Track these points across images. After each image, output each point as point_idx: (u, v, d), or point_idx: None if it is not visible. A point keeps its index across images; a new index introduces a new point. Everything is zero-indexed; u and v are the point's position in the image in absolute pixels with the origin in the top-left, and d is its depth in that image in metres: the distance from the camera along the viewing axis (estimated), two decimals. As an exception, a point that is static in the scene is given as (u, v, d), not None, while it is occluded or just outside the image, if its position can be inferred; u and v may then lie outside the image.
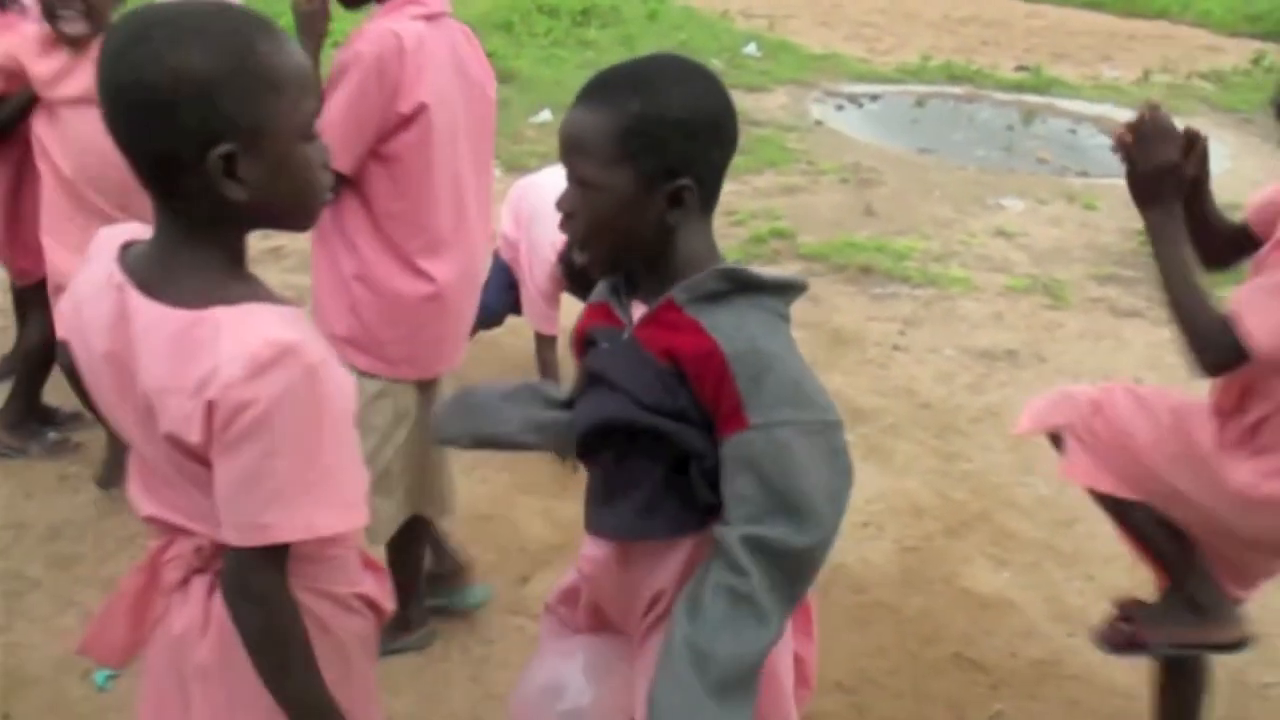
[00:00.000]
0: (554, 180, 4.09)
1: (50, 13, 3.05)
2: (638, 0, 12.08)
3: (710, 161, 1.52)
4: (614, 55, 10.08)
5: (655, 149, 1.47)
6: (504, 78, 8.91)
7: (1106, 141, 9.11)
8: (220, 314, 1.29)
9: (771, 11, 13.66)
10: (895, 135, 8.69)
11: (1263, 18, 15.27)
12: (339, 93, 2.33)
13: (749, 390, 1.45)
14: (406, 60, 2.34)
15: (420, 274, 2.46)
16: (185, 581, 1.49)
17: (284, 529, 1.32)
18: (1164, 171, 2.01)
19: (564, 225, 1.56)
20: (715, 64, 10.04)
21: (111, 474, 3.55)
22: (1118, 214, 6.73)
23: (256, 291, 1.36)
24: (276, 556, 1.35)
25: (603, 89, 1.51)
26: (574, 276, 3.78)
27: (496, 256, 4.17)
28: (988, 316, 5.30)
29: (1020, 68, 11.33)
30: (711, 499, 1.51)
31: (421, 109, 2.36)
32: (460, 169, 2.50)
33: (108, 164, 3.02)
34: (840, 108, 9.44)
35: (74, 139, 3.14)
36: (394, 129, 2.38)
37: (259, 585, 1.36)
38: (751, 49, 10.89)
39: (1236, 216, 2.24)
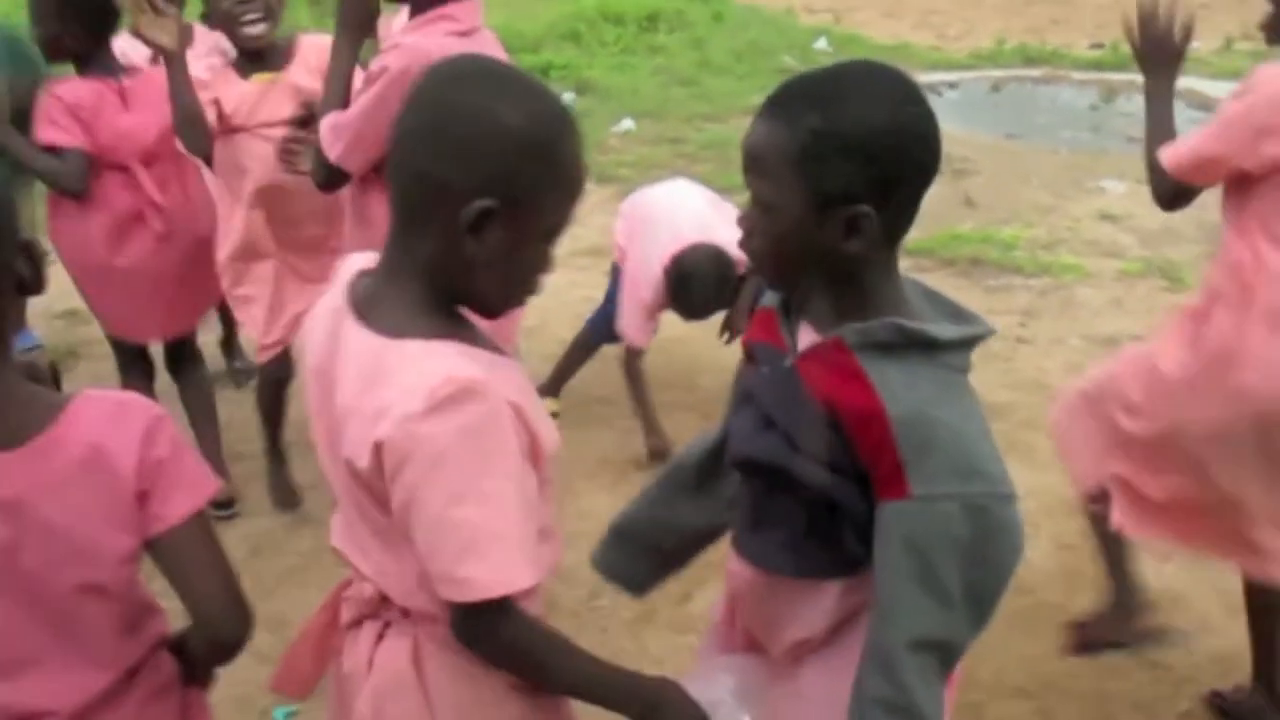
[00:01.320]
0: (667, 193, 4.09)
1: (230, 19, 3.11)
2: (701, 2, 12.04)
3: (894, 189, 1.38)
4: (686, 59, 10.06)
5: (830, 171, 1.35)
6: (580, 89, 8.94)
7: (1196, 115, 8.91)
8: (411, 346, 1.29)
9: (835, 6, 13.54)
10: (979, 122, 8.56)
11: (1339, -23, 14.88)
12: (364, 97, 2.41)
13: (913, 459, 1.35)
14: None
15: None
16: (358, 623, 1.50)
17: (482, 584, 1.28)
18: (1161, 43, 2.64)
19: (743, 244, 1.49)
20: (787, 60, 9.99)
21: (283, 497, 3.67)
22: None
23: (459, 333, 1.35)
24: (493, 606, 1.32)
25: (783, 102, 1.40)
26: (678, 294, 3.79)
27: (616, 268, 4.16)
28: (1107, 303, 5.20)
29: (1095, 45, 11.12)
30: (859, 552, 1.44)
31: None
32: None
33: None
34: (919, 98, 9.32)
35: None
36: None
37: (484, 633, 1.36)
38: (822, 44, 10.82)
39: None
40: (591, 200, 6.50)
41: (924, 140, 1.39)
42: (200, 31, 3.79)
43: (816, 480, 1.44)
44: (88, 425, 1.32)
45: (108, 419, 1.33)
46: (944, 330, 1.41)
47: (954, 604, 1.38)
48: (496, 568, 1.28)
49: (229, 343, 4.57)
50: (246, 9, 3.08)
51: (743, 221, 1.47)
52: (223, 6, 3.10)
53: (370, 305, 1.35)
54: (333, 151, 2.47)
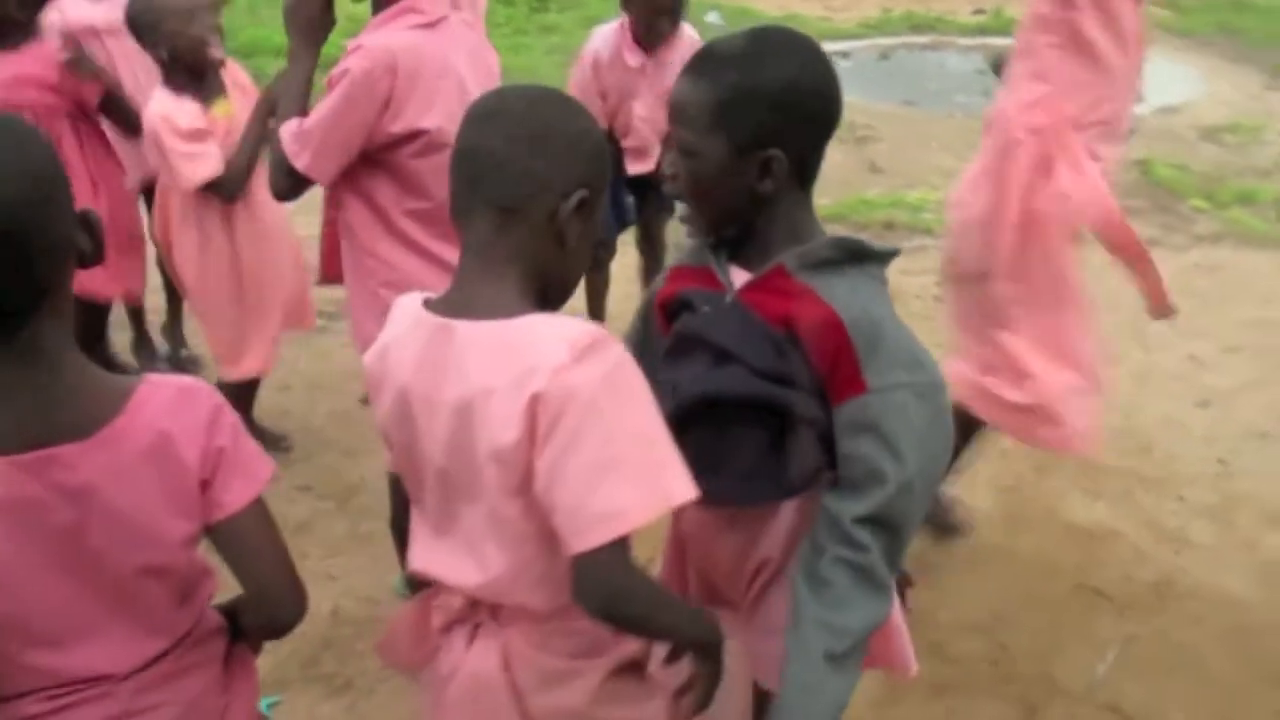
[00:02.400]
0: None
1: (199, 44, 3.19)
2: (590, -20, 12.05)
3: (802, 136, 1.58)
4: (579, 38, 10.02)
5: (746, 121, 1.54)
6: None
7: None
8: (535, 318, 1.37)
9: (721, -21, 13.68)
10: (874, 90, 8.76)
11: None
12: (327, 102, 2.35)
13: (866, 356, 1.52)
14: (399, 79, 2.32)
15: (445, 265, 2.41)
16: (448, 629, 1.56)
17: (641, 509, 1.33)
18: None
19: (668, 187, 1.65)
20: (682, 37, 10.06)
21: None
22: (1111, 146, 6.87)
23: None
24: (625, 547, 1.36)
25: (705, 61, 1.59)
26: None
27: None
28: (1016, 259, 5.41)
29: (978, 11, 11.45)
30: (821, 462, 1.58)
31: (420, 133, 2.37)
32: None
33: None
34: (814, 68, 9.49)
35: None
36: (393, 144, 2.39)
37: (620, 581, 1.38)
38: (714, 18, 10.91)
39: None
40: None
41: (828, 94, 1.59)
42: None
43: (782, 400, 1.56)
44: (154, 413, 1.34)
45: (173, 406, 1.36)
46: (873, 241, 1.61)
47: (910, 487, 1.55)
48: (655, 493, 1.34)
49: (142, 340, 4.49)
50: (213, 37, 3.22)
51: (669, 168, 1.64)
52: (192, 33, 3.17)
53: (470, 305, 1.42)
54: (300, 160, 2.38)
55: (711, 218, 1.65)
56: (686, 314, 1.68)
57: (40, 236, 1.24)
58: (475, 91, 2.34)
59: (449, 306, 1.44)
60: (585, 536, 1.33)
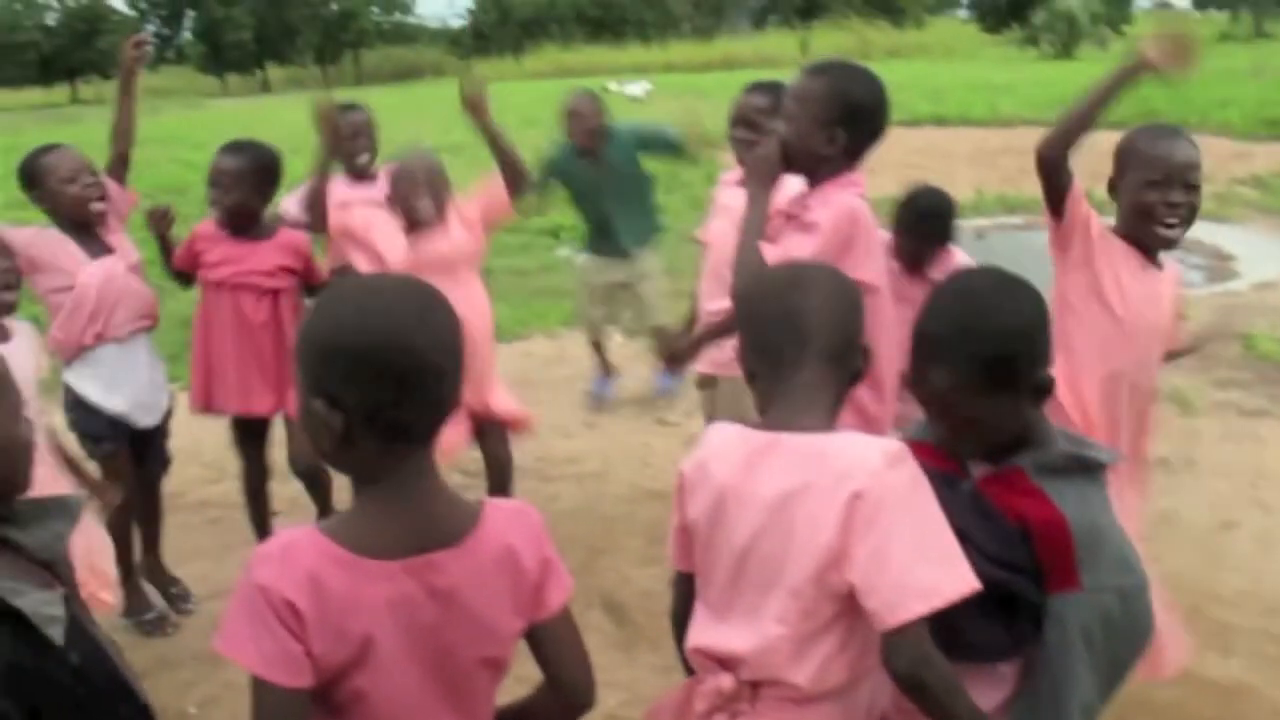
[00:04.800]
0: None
1: (409, 211, 3.90)
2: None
3: (1044, 356, 1.81)
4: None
5: (1012, 367, 1.77)
6: (553, 231, 9.39)
7: (1174, 254, 9.46)
8: (849, 433, 1.72)
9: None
10: (972, 268, 9.05)
11: (1280, 121, 15.72)
12: (810, 244, 2.57)
13: (1086, 558, 1.75)
14: (860, 228, 2.62)
15: None
16: (708, 715, 1.79)
17: (949, 589, 1.61)
18: None
19: (948, 443, 1.86)
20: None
21: None
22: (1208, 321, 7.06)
23: None
24: (928, 624, 1.62)
25: (948, 319, 1.80)
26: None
27: None
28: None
29: (1067, 192, 11.80)
30: (1030, 637, 1.79)
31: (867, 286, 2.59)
32: None
33: None
34: (911, 247, 9.84)
35: None
36: None
37: (928, 650, 1.62)
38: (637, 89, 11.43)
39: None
40: (630, 351, 6.86)
41: (1043, 307, 1.88)
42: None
43: (1007, 584, 1.77)
44: (501, 527, 1.60)
45: (513, 522, 1.62)
46: (1101, 455, 1.83)
47: (1107, 676, 1.77)
48: (958, 577, 1.63)
49: None
50: (419, 199, 3.92)
51: (932, 421, 1.88)
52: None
53: (790, 424, 1.74)
54: None
55: (980, 445, 1.85)
56: None
57: (456, 372, 1.52)
58: None
59: (772, 425, 1.75)
60: (904, 609, 1.60)
